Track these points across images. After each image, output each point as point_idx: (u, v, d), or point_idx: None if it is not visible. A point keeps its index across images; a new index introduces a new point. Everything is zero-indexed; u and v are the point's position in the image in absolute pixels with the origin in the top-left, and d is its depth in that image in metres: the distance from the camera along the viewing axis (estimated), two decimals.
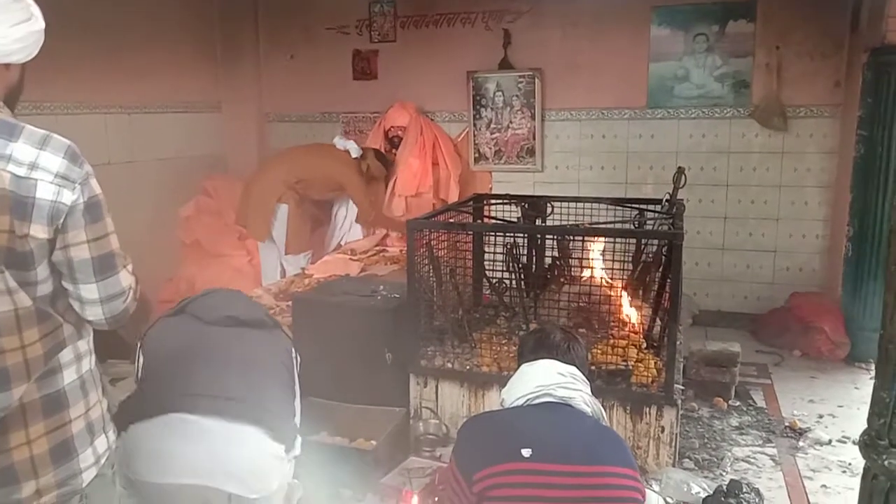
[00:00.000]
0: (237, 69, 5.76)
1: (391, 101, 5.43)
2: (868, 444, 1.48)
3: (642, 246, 3.46)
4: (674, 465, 2.90)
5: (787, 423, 3.45)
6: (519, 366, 2.09)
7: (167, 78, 5.16)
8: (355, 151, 4.94)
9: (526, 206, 3.77)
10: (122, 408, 2.14)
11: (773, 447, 3.25)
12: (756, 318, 4.88)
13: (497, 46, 5.18)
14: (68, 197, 1.31)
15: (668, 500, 2.61)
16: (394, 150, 5.34)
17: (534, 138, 5.26)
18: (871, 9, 4.15)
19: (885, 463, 1.42)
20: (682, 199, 3.63)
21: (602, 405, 2.05)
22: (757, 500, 2.64)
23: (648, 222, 3.45)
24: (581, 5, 4.98)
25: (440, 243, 3.31)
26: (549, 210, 3.73)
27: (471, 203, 3.97)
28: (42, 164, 1.29)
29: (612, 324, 3.27)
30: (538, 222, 3.72)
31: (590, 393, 1.98)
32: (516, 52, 5.18)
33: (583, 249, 3.45)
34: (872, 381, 1.49)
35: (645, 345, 3.11)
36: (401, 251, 4.62)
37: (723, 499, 2.59)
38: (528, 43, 5.15)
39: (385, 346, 3.21)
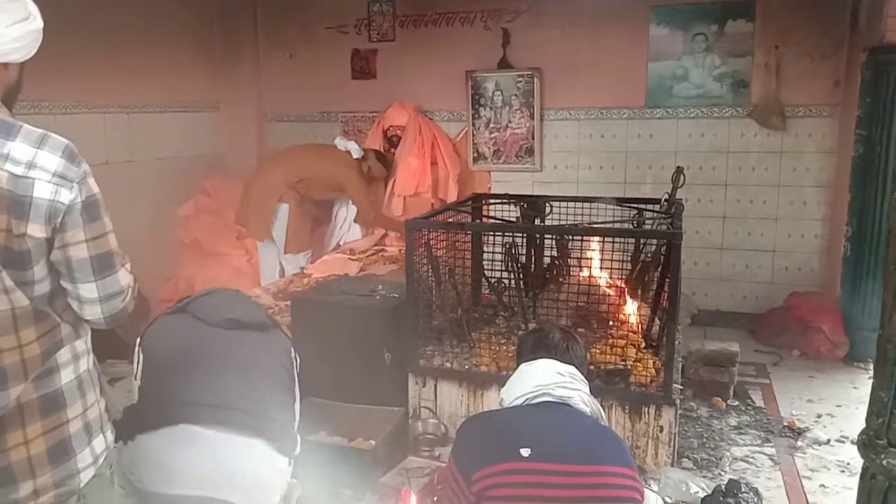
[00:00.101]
0: (236, 68, 5.75)
1: (390, 101, 5.42)
2: (866, 443, 1.48)
3: (641, 245, 3.46)
4: (672, 465, 2.90)
5: (785, 423, 3.46)
6: (518, 365, 2.10)
7: (166, 77, 5.16)
8: (356, 152, 4.95)
9: (525, 205, 3.76)
10: (126, 415, 2.16)
11: (772, 447, 3.25)
12: (755, 317, 4.88)
13: (496, 46, 5.18)
14: (66, 196, 1.31)
15: (667, 499, 2.61)
16: (392, 150, 5.34)
17: (533, 138, 5.25)
18: (870, 8, 4.15)
19: (884, 462, 1.42)
20: (680, 199, 3.63)
21: (601, 405, 2.05)
22: (755, 499, 2.64)
23: (647, 222, 3.45)
24: (580, 5, 4.98)
25: (439, 243, 3.31)
26: (547, 210, 3.73)
27: (469, 203, 3.96)
28: (40, 163, 1.29)
29: (611, 323, 3.27)
30: (537, 222, 3.72)
31: (588, 392, 1.98)
32: (515, 52, 5.17)
33: (582, 249, 3.45)
34: (871, 381, 1.49)
35: (644, 344, 3.11)
36: (399, 251, 4.63)
37: (721, 498, 2.58)
38: (527, 42, 5.15)
39: (384, 345, 3.21)
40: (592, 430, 1.90)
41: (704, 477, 2.90)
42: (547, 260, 3.69)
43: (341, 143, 5.01)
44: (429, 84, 5.42)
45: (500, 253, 3.40)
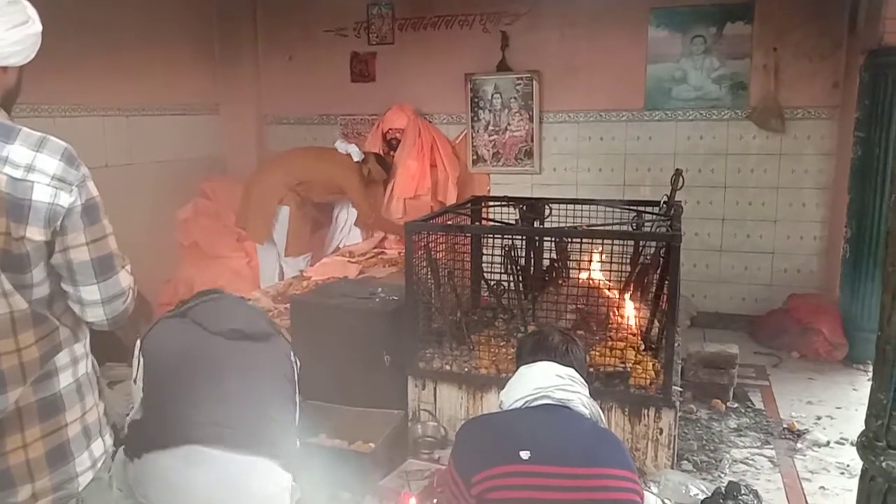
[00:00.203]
0: (235, 71, 5.76)
1: (389, 104, 5.43)
2: (866, 445, 1.48)
3: (640, 248, 3.45)
4: (672, 467, 2.90)
5: (785, 425, 3.45)
6: (517, 368, 2.09)
7: (165, 80, 5.16)
8: (357, 155, 4.95)
9: (524, 208, 3.76)
10: (131, 430, 2.18)
11: (772, 449, 3.25)
12: (754, 319, 4.88)
13: (495, 48, 5.19)
14: (65, 199, 1.31)
15: (667, 501, 2.61)
16: (392, 153, 5.34)
17: (532, 140, 5.26)
18: (869, 10, 4.16)
19: (883, 464, 1.42)
20: (679, 201, 3.62)
21: (600, 407, 2.05)
22: (755, 501, 2.64)
23: (646, 224, 3.46)
24: (579, 7, 4.99)
25: (438, 245, 3.31)
26: (547, 212, 3.73)
27: (469, 205, 3.96)
28: (38, 166, 1.29)
29: (611, 326, 3.27)
30: (536, 224, 3.72)
31: (588, 395, 1.98)
32: (514, 55, 5.18)
33: (581, 251, 3.45)
34: (870, 383, 1.49)
35: (643, 346, 3.10)
36: (399, 253, 4.63)
37: (721, 500, 2.58)
38: (525, 45, 5.15)
39: (383, 348, 3.20)
40: (592, 433, 1.89)
41: (704, 479, 2.90)
42: (546, 262, 3.69)
43: (342, 146, 5.01)
44: (428, 87, 5.43)
45: (499, 255, 3.39)
